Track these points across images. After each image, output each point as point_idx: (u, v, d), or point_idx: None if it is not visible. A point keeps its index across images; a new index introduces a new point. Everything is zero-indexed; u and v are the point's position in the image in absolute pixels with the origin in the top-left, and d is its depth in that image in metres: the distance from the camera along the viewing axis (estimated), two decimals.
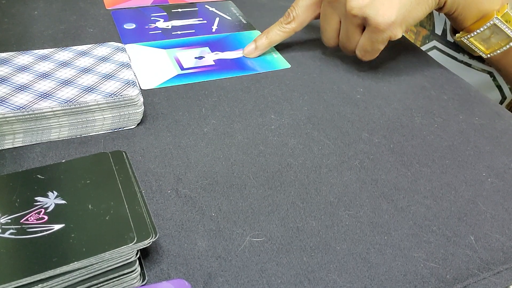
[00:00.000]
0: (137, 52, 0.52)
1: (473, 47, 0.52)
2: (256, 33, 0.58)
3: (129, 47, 0.53)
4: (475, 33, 0.50)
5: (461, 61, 0.65)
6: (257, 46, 0.53)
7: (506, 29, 0.49)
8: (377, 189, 0.37)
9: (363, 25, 0.47)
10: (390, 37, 0.46)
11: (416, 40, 0.71)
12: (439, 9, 0.50)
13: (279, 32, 0.52)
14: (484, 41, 0.51)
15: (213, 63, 0.52)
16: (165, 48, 0.53)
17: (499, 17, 0.48)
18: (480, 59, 0.64)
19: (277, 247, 0.32)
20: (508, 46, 0.50)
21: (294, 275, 0.30)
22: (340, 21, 0.49)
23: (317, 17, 0.52)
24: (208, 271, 0.30)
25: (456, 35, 0.53)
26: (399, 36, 0.46)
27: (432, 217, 0.35)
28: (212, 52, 0.54)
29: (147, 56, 0.52)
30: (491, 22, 0.48)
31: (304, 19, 0.51)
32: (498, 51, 0.51)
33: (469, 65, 0.65)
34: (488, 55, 0.52)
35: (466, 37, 0.51)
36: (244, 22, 0.61)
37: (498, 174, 0.40)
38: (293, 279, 0.30)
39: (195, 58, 0.52)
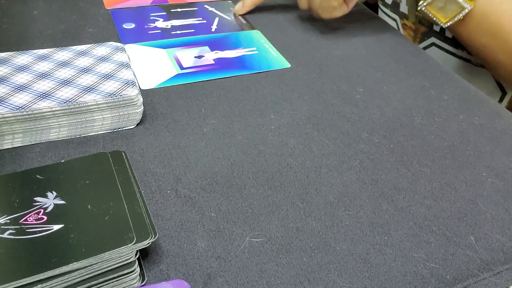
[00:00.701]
0: (136, 52, 0.52)
1: (432, 17, 0.55)
2: (255, 33, 0.58)
3: (128, 47, 0.53)
4: (430, 0, 0.54)
5: (460, 57, 0.65)
6: (244, 4, 0.60)
7: None
8: (377, 189, 0.37)
9: None
10: None
11: (415, 37, 0.71)
12: None
13: None
14: (441, 10, 0.54)
15: (213, 62, 0.52)
16: (164, 48, 0.53)
17: None
18: None
19: (277, 248, 0.32)
20: (461, 15, 0.53)
21: (294, 275, 0.30)
22: None
23: None
24: (208, 272, 0.30)
25: (418, 4, 0.56)
26: None
27: (432, 217, 0.35)
28: (211, 51, 0.54)
29: (146, 56, 0.52)
30: None
31: None
32: (455, 19, 0.54)
33: (468, 61, 0.65)
34: (446, 24, 0.55)
35: (423, 5, 0.55)
36: (244, 22, 0.61)
37: (498, 174, 0.40)
38: (293, 280, 0.30)
39: (195, 57, 0.52)
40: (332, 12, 0.57)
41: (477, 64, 0.65)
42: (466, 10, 0.53)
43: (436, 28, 0.67)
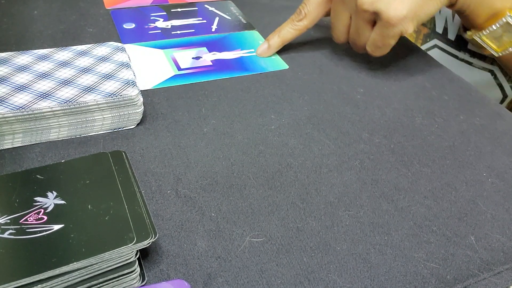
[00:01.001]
0: (134, 52, 0.52)
1: (485, 46, 0.52)
2: (255, 33, 0.58)
3: (126, 47, 0.53)
4: (487, 31, 0.50)
5: (462, 59, 0.65)
6: (270, 45, 0.53)
7: None
8: (378, 189, 0.37)
9: (374, 20, 0.47)
10: (401, 32, 0.46)
11: (417, 39, 0.71)
12: (451, 5, 0.49)
13: (291, 30, 0.52)
14: (496, 39, 0.51)
15: (211, 63, 0.52)
16: (162, 48, 0.53)
17: (511, 15, 0.48)
18: (481, 57, 0.63)
19: (277, 248, 0.32)
20: None
21: (294, 275, 0.30)
22: (351, 17, 0.49)
23: (328, 13, 0.52)
24: (208, 272, 0.30)
25: (468, 33, 0.52)
26: (410, 31, 0.46)
27: (432, 217, 0.35)
28: (209, 52, 0.54)
29: (144, 57, 0.52)
30: (504, 20, 0.48)
31: (316, 15, 0.52)
32: (510, 49, 0.51)
33: (470, 64, 0.65)
34: (500, 54, 0.52)
35: (478, 36, 0.51)
36: (244, 22, 0.61)
37: (498, 174, 0.40)
38: (293, 280, 0.30)
39: (193, 58, 0.52)
40: (387, 50, 0.49)
41: (479, 67, 0.65)
42: None
43: (439, 30, 0.67)
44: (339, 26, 0.51)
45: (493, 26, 0.49)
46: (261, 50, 0.54)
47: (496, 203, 0.37)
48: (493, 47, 0.51)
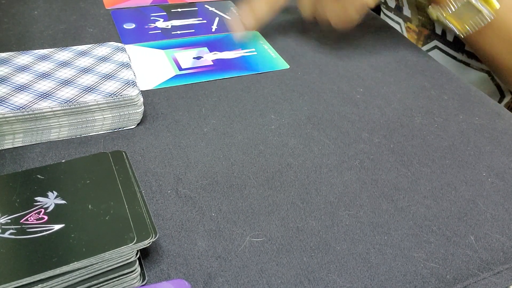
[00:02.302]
0: (135, 52, 0.52)
1: (450, 25, 0.52)
2: (255, 33, 0.58)
3: (127, 47, 0.53)
4: (449, 10, 0.50)
5: (460, 61, 0.66)
6: (246, 28, 0.53)
7: (480, 6, 0.49)
8: (377, 189, 0.37)
9: None
10: (362, 4, 0.46)
11: (419, 40, 0.71)
12: None
13: (264, 6, 0.51)
14: (460, 19, 0.51)
15: (212, 63, 0.52)
16: (163, 49, 0.53)
17: None
18: (478, 58, 0.64)
19: (277, 247, 0.32)
20: (482, 24, 0.50)
21: (294, 275, 0.30)
22: None
23: None
24: (208, 271, 0.30)
25: (429, 9, 0.53)
26: (371, 3, 0.46)
27: (432, 217, 0.35)
28: (210, 52, 0.54)
29: (145, 57, 0.52)
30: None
31: None
32: (475, 28, 0.51)
33: (468, 65, 0.65)
34: (464, 34, 0.52)
35: (441, 14, 0.51)
36: None
37: (498, 174, 0.40)
38: (293, 279, 0.30)
39: (193, 58, 0.52)
40: (350, 24, 0.50)
41: (477, 68, 0.65)
42: (488, 20, 0.50)
43: (438, 31, 0.67)
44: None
45: (455, 5, 0.49)
46: (239, 34, 0.53)
47: (496, 203, 0.37)
48: (457, 27, 0.52)
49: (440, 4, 0.52)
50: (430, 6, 0.54)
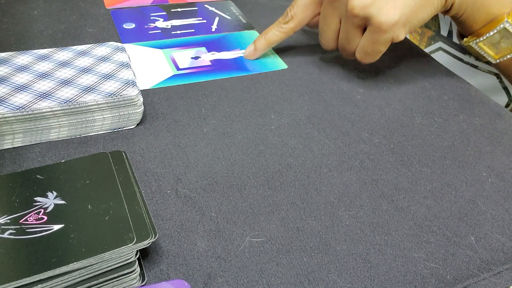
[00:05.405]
0: (133, 52, 0.52)
1: (482, 52, 0.50)
2: (255, 33, 0.58)
3: (126, 47, 0.53)
4: (484, 38, 0.48)
5: (467, 63, 0.64)
6: (256, 48, 0.52)
7: None
8: (377, 189, 0.37)
9: (365, 25, 0.45)
10: (392, 39, 0.44)
11: (421, 41, 0.70)
12: (446, 11, 0.48)
13: (277, 32, 0.51)
14: (494, 46, 0.49)
15: (210, 63, 0.52)
16: (161, 48, 0.53)
17: (509, 21, 0.46)
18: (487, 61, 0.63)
19: (277, 248, 0.32)
20: None
21: (294, 275, 0.30)
22: (340, 22, 0.47)
23: (316, 16, 0.50)
24: (208, 272, 0.30)
25: (464, 39, 0.51)
26: (402, 37, 0.44)
27: (432, 217, 0.35)
28: (208, 52, 0.54)
29: (143, 56, 0.52)
30: (501, 26, 0.46)
31: (303, 18, 0.50)
32: (508, 56, 0.49)
33: (476, 67, 0.64)
34: (497, 61, 0.50)
35: (474, 42, 0.49)
36: (244, 21, 0.61)
37: (498, 174, 0.40)
38: (293, 280, 0.30)
39: (191, 58, 0.52)
40: (376, 58, 0.47)
41: (484, 70, 0.64)
42: None
43: (444, 33, 0.66)
44: (327, 31, 0.49)
45: (491, 33, 0.47)
46: (248, 52, 0.53)
47: (496, 203, 0.37)
48: (490, 54, 0.50)
49: (475, 34, 0.50)
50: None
